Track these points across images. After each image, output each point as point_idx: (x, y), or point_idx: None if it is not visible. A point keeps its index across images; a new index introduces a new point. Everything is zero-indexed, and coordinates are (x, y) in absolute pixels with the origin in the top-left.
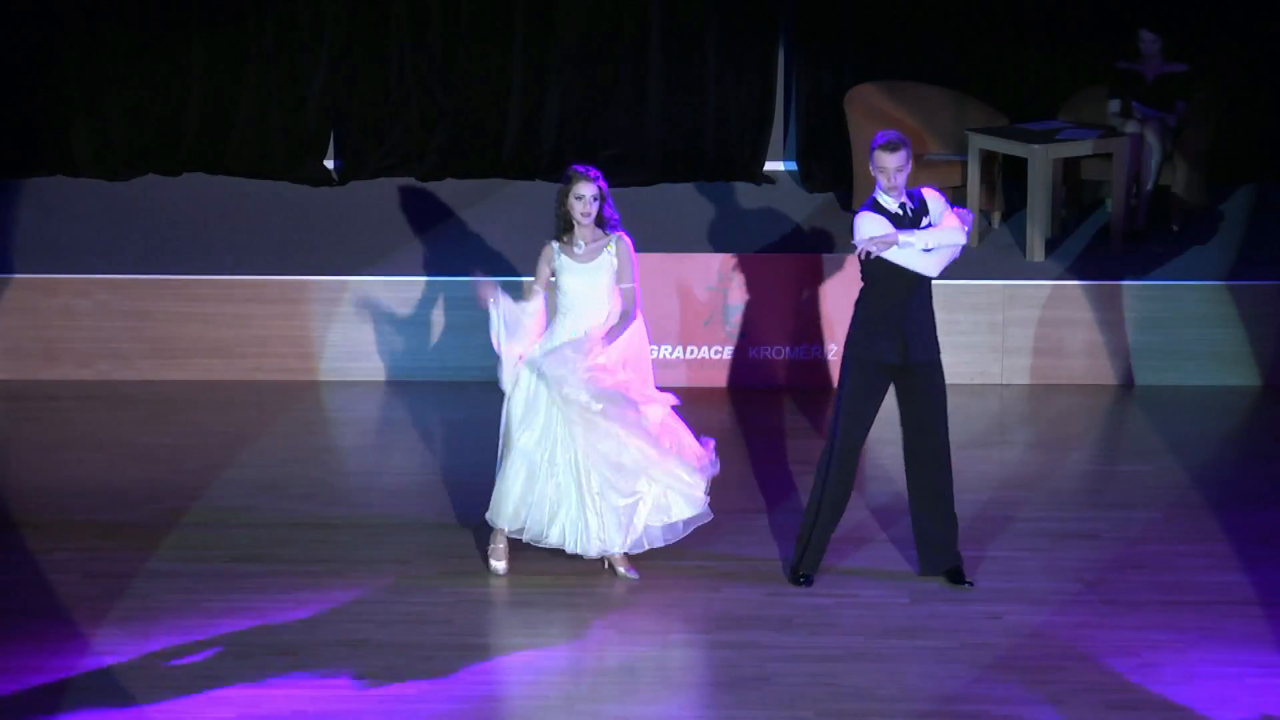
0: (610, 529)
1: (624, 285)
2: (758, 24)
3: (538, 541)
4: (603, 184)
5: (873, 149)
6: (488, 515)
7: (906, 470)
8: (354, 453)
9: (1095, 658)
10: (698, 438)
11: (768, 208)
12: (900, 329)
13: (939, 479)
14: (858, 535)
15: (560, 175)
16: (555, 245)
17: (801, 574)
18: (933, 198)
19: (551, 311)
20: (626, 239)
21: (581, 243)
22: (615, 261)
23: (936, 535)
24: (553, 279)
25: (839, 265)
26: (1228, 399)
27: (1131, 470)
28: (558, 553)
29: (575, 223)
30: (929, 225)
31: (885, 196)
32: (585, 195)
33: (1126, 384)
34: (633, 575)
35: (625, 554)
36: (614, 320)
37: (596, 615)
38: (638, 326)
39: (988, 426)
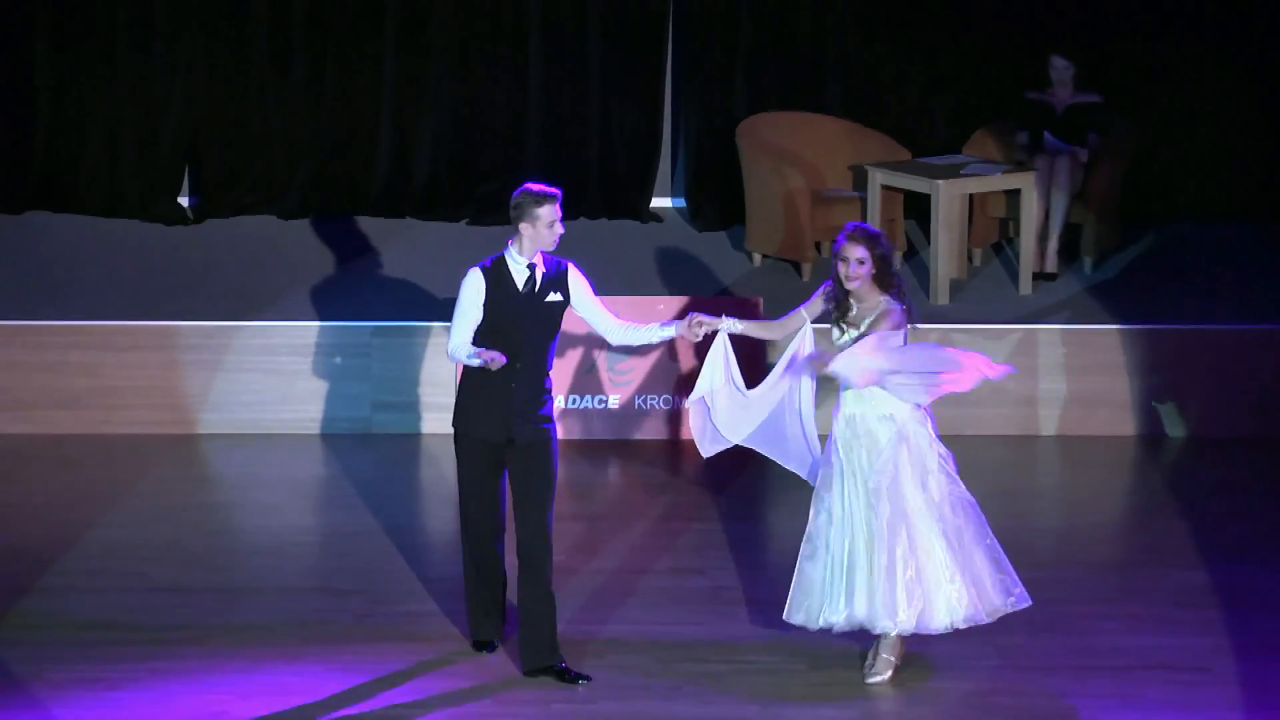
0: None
1: None
2: (644, 50)
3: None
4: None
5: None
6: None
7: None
8: (212, 511)
9: None
10: None
11: (655, 247)
12: (505, 407)
13: (538, 550)
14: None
15: (435, 213)
16: None
17: (481, 641)
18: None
19: None
20: None
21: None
22: None
23: (535, 618)
24: None
25: (732, 308)
26: (1147, 450)
27: (1043, 526)
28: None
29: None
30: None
31: (517, 255)
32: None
33: (1037, 434)
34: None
35: None
36: None
37: None
38: None
39: None
